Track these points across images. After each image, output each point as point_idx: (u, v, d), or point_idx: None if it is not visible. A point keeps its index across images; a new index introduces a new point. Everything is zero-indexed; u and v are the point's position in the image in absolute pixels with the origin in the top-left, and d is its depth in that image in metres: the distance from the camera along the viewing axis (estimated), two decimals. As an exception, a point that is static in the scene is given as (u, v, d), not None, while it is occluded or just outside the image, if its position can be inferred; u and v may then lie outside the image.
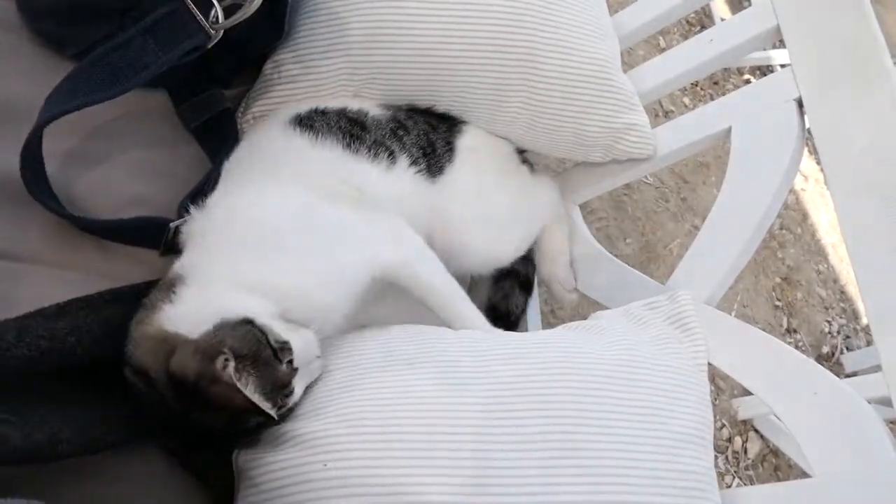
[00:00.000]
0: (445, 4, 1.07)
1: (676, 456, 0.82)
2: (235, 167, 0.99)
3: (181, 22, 0.90)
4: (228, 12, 0.92)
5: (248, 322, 0.77)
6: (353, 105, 1.08)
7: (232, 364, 0.71)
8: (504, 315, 1.24)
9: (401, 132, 1.07)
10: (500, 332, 1.01)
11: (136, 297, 0.82)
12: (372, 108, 1.09)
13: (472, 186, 1.12)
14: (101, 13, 0.93)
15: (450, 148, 1.12)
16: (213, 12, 0.91)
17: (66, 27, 0.94)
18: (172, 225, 0.89)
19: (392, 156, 1.03)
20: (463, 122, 1.18)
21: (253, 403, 0.72)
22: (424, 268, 0.97)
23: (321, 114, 1.04)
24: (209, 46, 0.93)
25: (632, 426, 0.82)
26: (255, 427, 0.78)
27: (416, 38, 1.07)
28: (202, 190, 0.94)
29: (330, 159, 0.99)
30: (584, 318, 1.04)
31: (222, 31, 0.92)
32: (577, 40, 1.11)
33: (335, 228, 0.93)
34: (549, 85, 1.11)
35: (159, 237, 0.89)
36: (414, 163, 1.06)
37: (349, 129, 1.02)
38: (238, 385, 0.71)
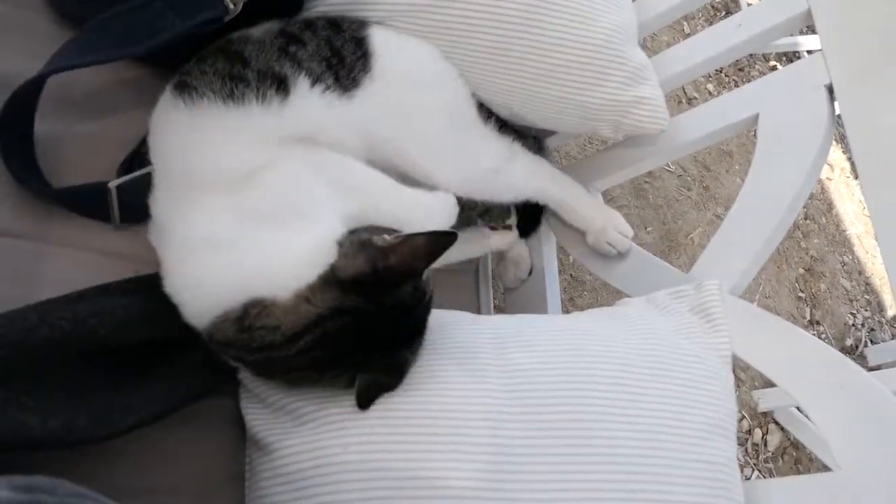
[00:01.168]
0: None
1: (699, 446, 0.81)
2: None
3: None
4: None
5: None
6: (236, 34, 0.96)
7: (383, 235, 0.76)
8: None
9: (293, 48, 0.94)
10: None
11: (153, 286, 0.82)
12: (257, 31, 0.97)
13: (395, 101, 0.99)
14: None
15: (363, 54, 0.98)
16: None
17: (89, 7, 0.93)
18: (112, 184, 0.87)
19: (284, 84, 0.90)
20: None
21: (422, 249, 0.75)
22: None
23: (198, 62, 0.92)
24: (227, 19, 0.92)
25: (654, 415, 0.81)
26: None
27: None
28: (138, 152, 0.92)
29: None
30: (604, 307, 1.04)
31: (241, 4, 0.91)
32: (587, 6, 1.06)
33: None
34: (552, 51, 1.05)
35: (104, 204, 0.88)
36: (317, 81, 0.92)
37: (227, 70, 0.89)
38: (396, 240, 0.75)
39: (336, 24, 0.99)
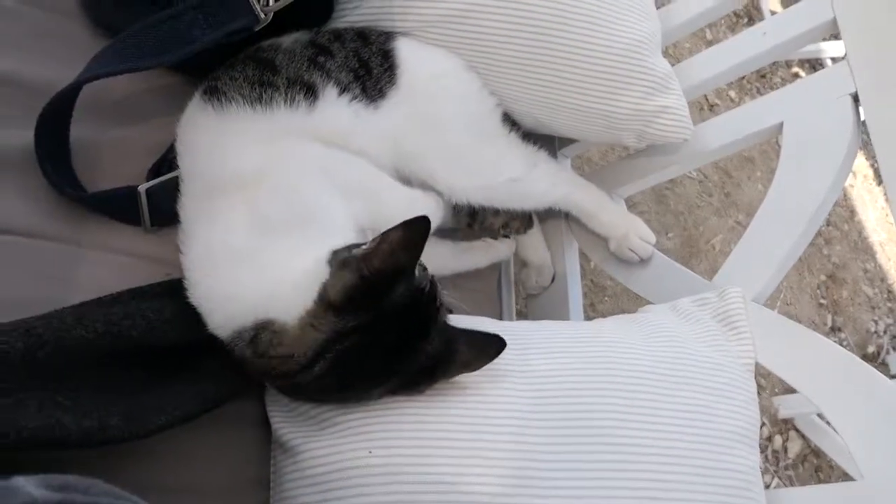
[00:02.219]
0: None
1: (722, 454, 0.81)
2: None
3: (233, 2, 0.91)
4: None
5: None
6: (266, 42, 0.99)
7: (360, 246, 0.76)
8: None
9: (322, 58, 0.96)
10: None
11: (183, 290, 0.83)
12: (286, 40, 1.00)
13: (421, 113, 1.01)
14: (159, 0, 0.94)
15: (389, 66, 1.00)
16: None
17: (123, 13, 0.95)
18: (141, 188, 0.89)
19: (312, 91, 0.92)
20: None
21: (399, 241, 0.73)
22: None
23: (227, 68, 0.94)
24: (257, 29, 0.93)
25: (677, 423, 0.82)
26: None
27: (446, 1, 1.04)
28: (166, 157, 0.94)
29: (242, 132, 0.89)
30: (625, 312, 1.04)
31: (272, 14, 0.93)
32: (612, 16, 1.07)
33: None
34: (577, 60, 1.05)
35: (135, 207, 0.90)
36: (345, 90, 0.95)
37: (257, 76, 0.91)
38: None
39: (364, 36, 1.01)
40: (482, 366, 0.79)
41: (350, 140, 0.93)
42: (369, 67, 0.98)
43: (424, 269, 0.80)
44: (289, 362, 0.76)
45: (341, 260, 0.76)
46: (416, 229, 0.72)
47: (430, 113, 1.01)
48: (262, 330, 0.77)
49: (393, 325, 0.76)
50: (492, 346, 0.79)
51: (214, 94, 0.90)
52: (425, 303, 0.78)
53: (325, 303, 0.74)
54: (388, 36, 1.03)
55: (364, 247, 0.74)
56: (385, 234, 0.73)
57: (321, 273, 0.76)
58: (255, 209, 0.82)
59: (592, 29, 1.05)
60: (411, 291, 0.76)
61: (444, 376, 0.79)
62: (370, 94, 0.96)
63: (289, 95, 0.89)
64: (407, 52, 1.02)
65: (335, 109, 0.93)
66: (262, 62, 0.93)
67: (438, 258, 1.08)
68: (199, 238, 0.84)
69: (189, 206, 0.87)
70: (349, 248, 0.77)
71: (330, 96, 0.93)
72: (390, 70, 0.99)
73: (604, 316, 1.04)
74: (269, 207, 0.83)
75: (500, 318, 1.28)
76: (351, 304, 0.74)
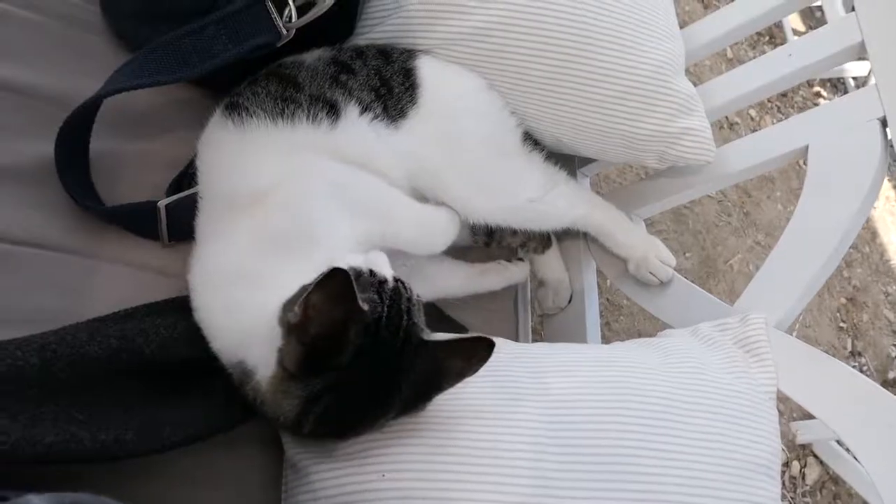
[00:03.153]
0: None
1: (742, 485, 0.80)
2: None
3: (255, 17, 0.91)
4: (302, 10, 0.93)
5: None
6: (288, 59, 0.99)
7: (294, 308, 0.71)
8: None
9: (344, 76, 0.96)
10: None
11: None
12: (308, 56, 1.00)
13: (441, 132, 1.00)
14: (181, 15, 0.94)
15: (410, 85, 1.00)
16: (286, 11, 0.92)
17: (147, 28, 0.96)
18: (161, 204, 0.89)
19: (334, 109, 0.92)
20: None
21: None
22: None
23: (250, 84, 0.94)
24: (279, 45, 0.94)
25: (696, 451, 0.80)
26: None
27: (469, 19, 1.03)
28: (186, 173, 0.94)
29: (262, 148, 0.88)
30: (640, 331, 1.02)
31: (294, 31, 0.93)
32: (636, 37, 1.06)
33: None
34: (600, 80, 1.04)
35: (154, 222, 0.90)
36: (366, 109, 0.94)
37: (280, 92, 0.91)
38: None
39: (386, 54, 1.01)
40: (478, 369, 0.76)
41: (369, 159, 0.92)
42: (391, 86, 0.98)
43: (381, 283, 0.76)
44: (279, 420, 0.75)
45: (287, 323, 0.72)
46: (334, 283, 0.68)
47: (449, 133, 1.00)
48: (246, 377, 0.76)
49: (365, 368, 0.73)
50: (481, 347, 0.75)
51: (235, 109, 0.90)
52: (391, 332, 0.74)
53: (287, 372, 0.73)
54: (410, 54, 1.03)
55: (296, 311, 0.70)
56: (306, 299, 0.69)
57: (276, 334, 0.73)
58: (255, 229, 0.82)
59: (616, 49, 1.04)
60: (368, 330, 0.72)
61: (439, 391, 0.77)
62: (391, 113, 0.96)
63: (311, 112, 0.89)
64: (428, 71, 1.01)
65: (356, 129, 0.92)
66: (285, 79, 0.93)
67: (453, 280, 1.08)
68: (202, 257, 0.84)
69: (202, 223, 0.87)
70: (289, 304, 0.73)
71: (352, 115, 0.93)
72: (411, 89, 0.99)
73: (619, 335, 1.03)
74: (269, 228, 0.82)
75: (516, 336, 1.27)
76: (309, 370, 0.72)
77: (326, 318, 0.70)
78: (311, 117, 0.89)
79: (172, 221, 0.90)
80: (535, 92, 1.07)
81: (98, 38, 1.00)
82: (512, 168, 1.07)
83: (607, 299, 1.86)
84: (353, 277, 0.69)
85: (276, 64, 0.97)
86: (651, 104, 1.06)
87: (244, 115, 0.89)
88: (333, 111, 0.91)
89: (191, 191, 0.90)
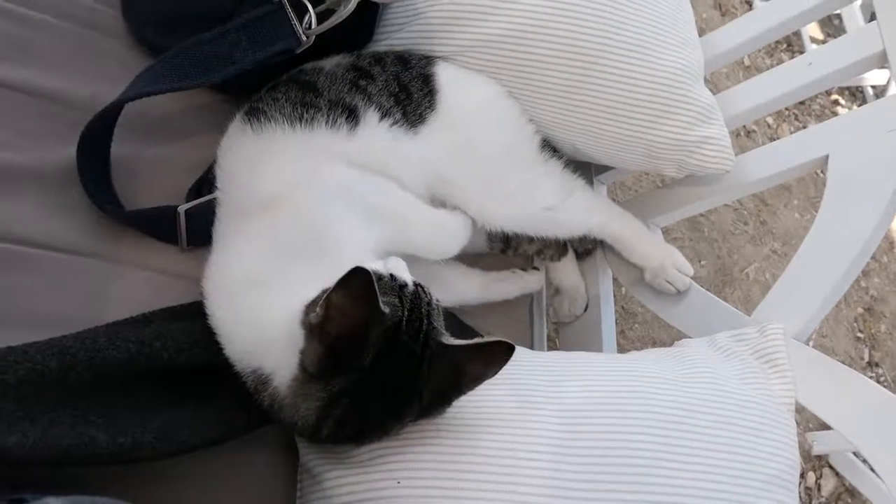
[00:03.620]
0: None
1: (759, 497, 0.79)
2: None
3: (275, 24, 0.92)
4: (321, 17, 0.93)
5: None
6: (308, 65, 0.99)
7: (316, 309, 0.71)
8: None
9: (363, 82, 0.96)
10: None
11: None
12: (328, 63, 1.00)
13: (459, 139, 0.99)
14: (202, 22, 0.95)
15: (429, 91, 1.00)
16: (306, 18, 0.92)
17: (167, 35, 0.96)
18: (181, 209, 0.89)
19: (354, 114, 0.92)
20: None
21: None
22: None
23: (269, 90, 0.95)
24: (299, 51, 0.94)
25: (713, 463, 0.79)
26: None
27: (488, 26, 1.03)
28: (206, 178, 0.94)
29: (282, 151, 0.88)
30: (655, 340, 1.01)
31: (314, 37, 0.93)
32: (655, 44, 1.06)
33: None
34: (619, 88, 1.04)
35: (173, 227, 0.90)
36: (385, 115, 0.95)
37: (300, 97, 0.91)
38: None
39: (404, 60, 1.01)
40: (496, 372, 0.76)
41: (386, 164, 0.92)
42: (409, 92, 0.98)
43: (401, 287, 0.76)
44: (297, 426, 0.75)
45: (309, 324, 0.72)
46: (356, 282, 0.68)
47: (467, 140, 1.00)
48: (262, 384, 0.76)
49: (384, 370, 0.72)
50: (500, 350, 0.75)
51: (254, 114, 0.90)
52: (411, 335, 0.74)
53: (308, 373, 0.73)
54: (428, 60, 1.03)
55: (318, 312, 0.70)
56: (328, 299, 0.69)
57: (297, 336, 0.73)
58: (271, 234, 0.82)
59: (635, 57, 1.04)
60: (387, 332, 0.72)
61: (460, 394, 0.77)
62: (410, 118, 0.96)
63: (331, 117, 0.90)
64: (447, 78, 1.02)
65: (375, 134, 0.93)
66: (305, 84, 0.93)
67: (468, 288, 1.07)
68: (218, 262, 0.85)
69: (220, 228, 0.88)
70: (312, 304, 0.73)
71: (371, 121, 0.93)
72: (430, 95, 0.99)
73: (634, 343, 1.02)
74: (285, 233, 0.82)
75: (531, 344, 1.27)
76: (330, 371, 0.72)
77: (348, 317, 0.69)
78: (330, 122, 0.89)
79: (191, 227, 0.90)
80: (552, 99, 1.07)
81: (119, 44, 1.01)
82: (529, 176, 1.07)
83: (622, 307, 1.85)
84: (374, 279, 0.69)
85: (296, 70, 0.98)
86: (670, 112, 1.06)
87: (263, 120, 0.89)
88: (353, 116, 0.91)
89: (210, 196, 0.90)
